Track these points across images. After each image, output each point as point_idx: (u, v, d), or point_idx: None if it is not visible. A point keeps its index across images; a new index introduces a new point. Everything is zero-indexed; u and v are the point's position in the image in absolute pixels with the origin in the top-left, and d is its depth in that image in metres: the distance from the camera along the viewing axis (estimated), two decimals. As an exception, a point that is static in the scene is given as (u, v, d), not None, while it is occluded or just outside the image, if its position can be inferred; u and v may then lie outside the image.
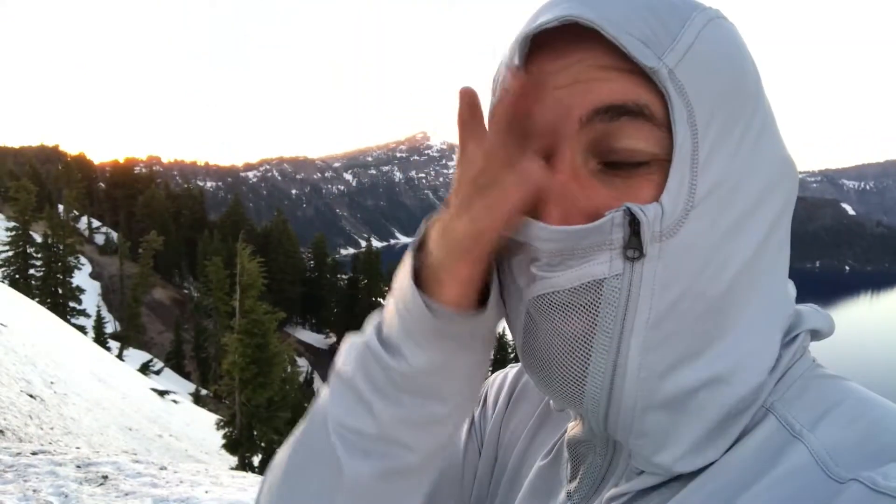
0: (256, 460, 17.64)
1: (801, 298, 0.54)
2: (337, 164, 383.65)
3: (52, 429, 9.50)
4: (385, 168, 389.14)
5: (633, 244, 0.43)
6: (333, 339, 62.15)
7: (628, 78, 0.44)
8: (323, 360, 57.85)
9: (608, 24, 0.43)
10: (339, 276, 65.03)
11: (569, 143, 0.46)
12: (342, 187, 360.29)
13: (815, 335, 0.52)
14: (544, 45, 0.47)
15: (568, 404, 0.48)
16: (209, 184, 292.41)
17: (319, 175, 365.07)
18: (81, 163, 66.66)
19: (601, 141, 0.45)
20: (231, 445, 16.91)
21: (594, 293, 0.44)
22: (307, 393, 43.26)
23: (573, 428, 0.56)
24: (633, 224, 0.42)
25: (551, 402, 0.55)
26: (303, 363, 49.35)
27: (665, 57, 0.43)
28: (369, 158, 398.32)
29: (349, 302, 59.75)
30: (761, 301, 0.47)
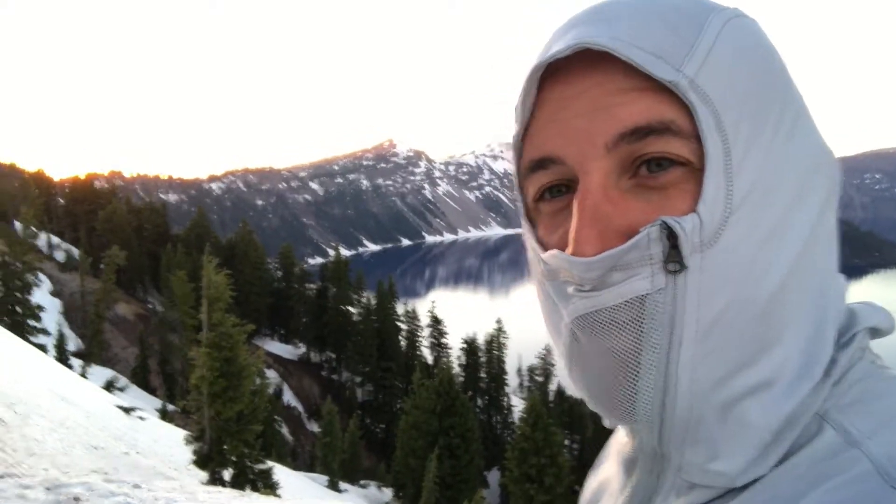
0: (227, 475, 17.40)
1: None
2: (303, 174, 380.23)
3: (14, 451, 9.26)
4: (352, 176, 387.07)
5: (674, 257, 0.42)
6: (303, 349, 61.51)
7: (650, 96, 0.43)
8: (292, 370, 57.20)
9: (619, 45, 0.43)
10: (307, 285, 64.41)
11: (596, 167, 0.45)
12: (309, 197, 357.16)
13: (875, 333, 0.50)
14: (560, 70, 0.47)
15: (620, 421, 0.48)
16: (172, 197, 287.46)
17: (285, 185, 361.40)
18: (40, 179, 64.88)
19: (629, 157, 0.45)
20: (201, 461, 16.65)
21: (638, 309, 0.43)
22: (277, 405, 42.78)
23: (625, 446, 0.55)
24: (672, 237, 0.42)
25: (603, 419, 0.55)
26: (272, 374, 48.77)
27: (684, 67, 0.43)
28: (336, 167, 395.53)
29: (318, 311, 59.17)
30: (811, 301, 0.46)
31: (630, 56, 0.43)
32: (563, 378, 0.52)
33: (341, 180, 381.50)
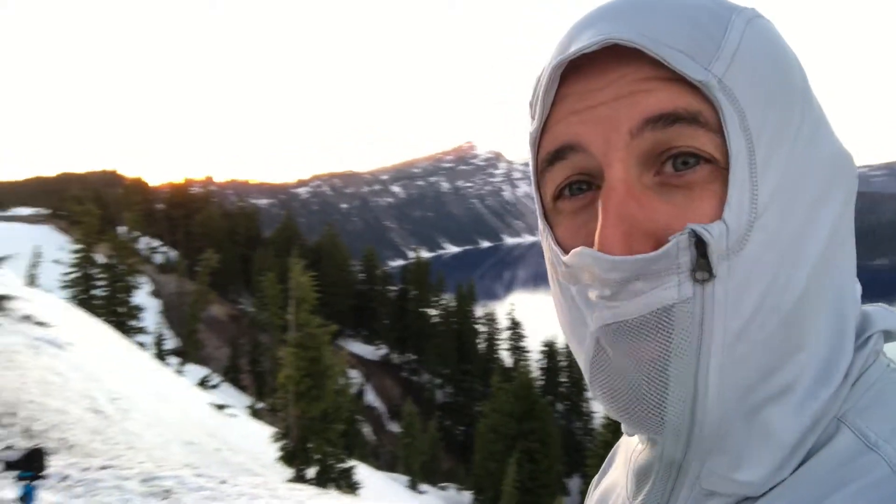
0: (312, 472, 17.88)
1: (868, 297, 0.51)
2: (385, 177, 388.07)
3: (116, 444, 9.87)
4: (432, 179, 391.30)
5: (702, 266, 0.41)
6: (384, 350, 62.61)
7: (675, 87, 0.43)
8: (374, 371, 58.35)
9: (649, 42, 0.43)
10: (388, 287, 65.55)
11: (619, 157, 0.44)
12: (390, 199, 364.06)
13: (889, 336, 0.50)
14: (580, 65, 0.46)
15: (647, 431, 0.47)
16: (263, 201, 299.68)
17: (368, 188, 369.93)
18: (140, 186, 69.44)
19: (654, 148, 0.44)
20: (287, 458, 17.21)
21: (666, 319, 0.43)
22: (359, 405, 43.72)
23: (640, 454, 0.54)
24: (699, 245, 0.41)
25: (623, 426, 0.54)
26: (355, 375, 49.89)
27: (712, 66, 0.42)
28: (416, 170, 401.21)
29: (399, 313, 60.10)
30: (832, 304, 0.46)
31: (660, 54, 0.42)
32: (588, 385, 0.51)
33: (422, 183, 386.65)
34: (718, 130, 0.43)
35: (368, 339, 64.97)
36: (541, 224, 0.53)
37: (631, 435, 0.57)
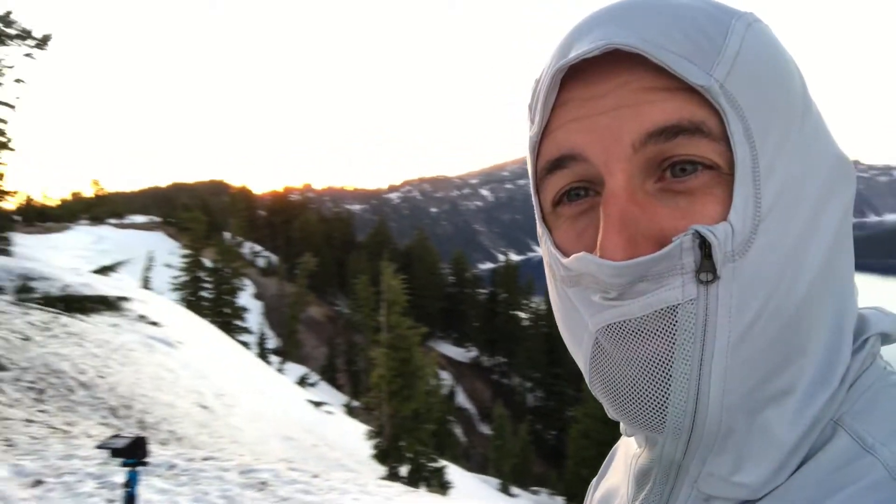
0: (404, 471, 18.12)
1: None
2: (474, 181, 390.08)
3: (220, 437, 10.40)
4: (521, 182, 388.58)
5: (706, 267, 0.41)
6: (474, 352, 62.72)
7: (678, 96, 0.43)
8: (464, 373, 58.56)
9: (650, 47, 0.42)
10: (478, 290, 65.67)
11: (621, 167, 0.44)
12: (479, 203, 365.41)
13: (886, 339, 0.49)
14: (582, 71, 0.46)
15: (647, 431, 0.46)
16: (357, 207, 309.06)
17: (457, 192, 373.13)
18: (244, 194, 73.46)
19: (656, 158, 0.44)
20: (380, 456, 17.54)
21: (669, 320, 0.42)
22: (450, 406, 43.98)
23: (639, 456, 0.53)
24: (704, 246, 0.41)
25: (622, 426, 0.54)
26: (445, 376, 50.26)
27: (714, 71, 0.42)
28: (505, 173, 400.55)
29: (489, 316, 60.04)
30: (833, 307, 0.45)
31: (662, 59, 0.42)
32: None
33: (511, 186, 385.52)
34: (721, 138, 0.42)
35: (458, 342, 65.32)
36: (539, 228, 0.53)
37: (630, 435, 0.57)
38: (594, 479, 0.70)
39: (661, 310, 0.42)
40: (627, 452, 0.60)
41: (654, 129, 0.43)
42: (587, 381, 0.49)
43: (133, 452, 2.94)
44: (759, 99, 0.43)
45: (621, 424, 0.54)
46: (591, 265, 0.44)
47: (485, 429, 50.04)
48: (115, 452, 2.91)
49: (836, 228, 0.46)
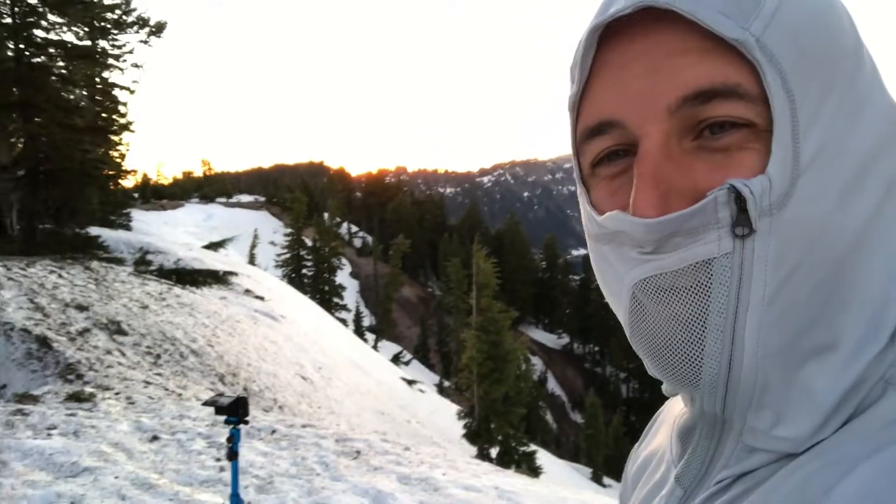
0: (494, 452, 18.13)
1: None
2: (567, 165, 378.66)
3: (319, 408, 10.78)
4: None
5: (742, 221, 0.41)
6: (566, 339, 61.85)
7: (714, 57, 0.42)
8: (556, 359, 57.93)
9: (684, 3, 0.42)
10: (570, 276, 64.60)
11: (657, 128, 0.44)
12: (572, 188, 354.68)
13: None
14: (617, 31, 0.46)
15: (684, 386, 0.47)
16: (448, 190, 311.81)
17: (550, 176, 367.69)
18: (342, 176, 76.01)
19: (692, 119, 0.44)
20: (470, 436, 17.65)
21: (704, 273, 0.43)
22: (541, 392, 43.63)
23: (682, 416, 0.54)
24: (739, 200, 0.41)
25: (663, 385, 0.54)
26: (536, 361, 49.92)
27: (750, 26, 0.41)
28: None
29: (581, 303, 58.95)
30: (881, 264, 0.44)
31: (695, 14, 0.41)
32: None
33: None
34: (759, 98, 0.42)
35: (550, 328, 64.68)
36: (578, 187, 0.53)
37: (671, 394, 0.57)
38: (634, 447, 0.70)
39: (697, 263, 0.43)
40: (670, 416, 0.61)
41: (688, 92, 0.43)
42: (628, 337, 0.50)
43: (235, 411, 3.02)
44: (800, 52, 0.42)
45: (663, 384, 0.54)
46: (624, 223, 0.45)
47: (577, 417, 49.36)
48: (219, 410, 3.00)
49: (887, 185, 0.45)
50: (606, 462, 32.34)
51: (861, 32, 0.46)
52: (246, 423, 3.06)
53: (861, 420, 0.43)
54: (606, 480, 29.88)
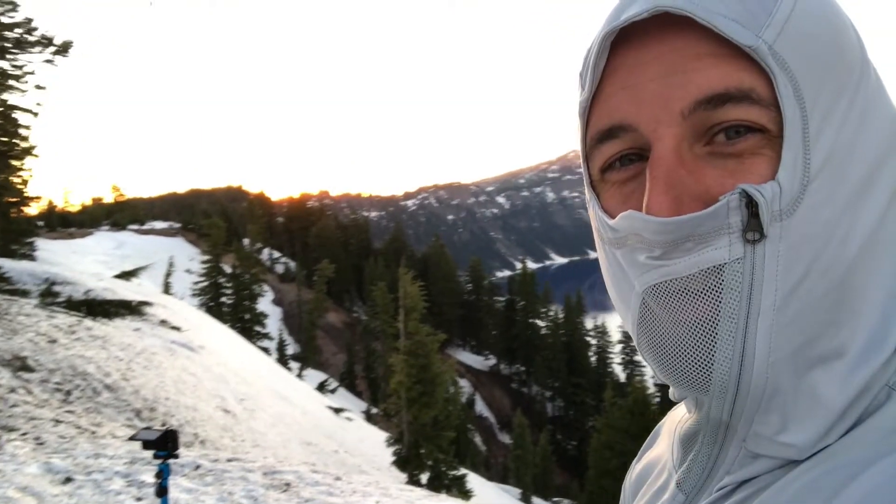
0: (424, 478, 18.01)
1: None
2: (490, 188, 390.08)
3: (242, 441, 10.39)
4: (537, 189, 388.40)
5: (753, 226, 0.41)
6: (493, 360, 62.43)
7: (727, 62, 0.43)
8: (483, 381, 58.32)
9: (699, 10, 0.42)
10: (495, 298, 65.49)
11: (670, 133, 0.44)
12: (496, 210, 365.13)
13: None
14: (630, 35, 0.46)
15: (693, 392, 0.47)
16: (373, 213, 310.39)
17: (474, 199, 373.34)
18: (262, 200, 74.22)
19: (705, 124, 0.44)
20: (400, 462, 17.47)
21: (715, 279, 0.43)
22: (469, 414, 43.77)
23: (685, 422, 0.54)
24: (751, 206, 0.41)
25: (671, 390, 0.54)
26: (464, 384, 50.11)
27: (763, 33, 0.42)
28: (521, 180, 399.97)
29: (507, 324, 59.81)
30: (887, 271, 0.45)
31: (710, 21, 0.42)
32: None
33: (527, 193, 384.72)
34: (771, 104, 0.43)
35: (477, 350, 65.16)
36: (588, 193, 0.53)
37: (678, 399, 0.57)
38: (635, 459, 0.70)
39: (708, 269, 0.43)
40: (672, 424, 0.61)
41: (702, 97, 0.43)
42: (635, 343, 0.50)
43: (164, 444, 2.91)
44: (810, 61, 0.43)
45: (670, 390, 0.54)
46: (637, 222, 0.45)
47: (505, 438, 49.75)
48: (147, 444, 2.89)
49: (892, 191, 0.45)
50: (535, 481, 32.72)
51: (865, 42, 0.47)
52: (176, 457, 2.95)
53: (866, 426, 0.42)
54: (535, 500, 30.20)
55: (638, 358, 53.30)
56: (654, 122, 0.45)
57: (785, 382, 0.44)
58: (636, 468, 0.67)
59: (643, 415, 29.34)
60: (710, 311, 0.43)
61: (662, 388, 49.37)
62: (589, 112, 0.51)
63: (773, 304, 0.42)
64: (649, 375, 49.73)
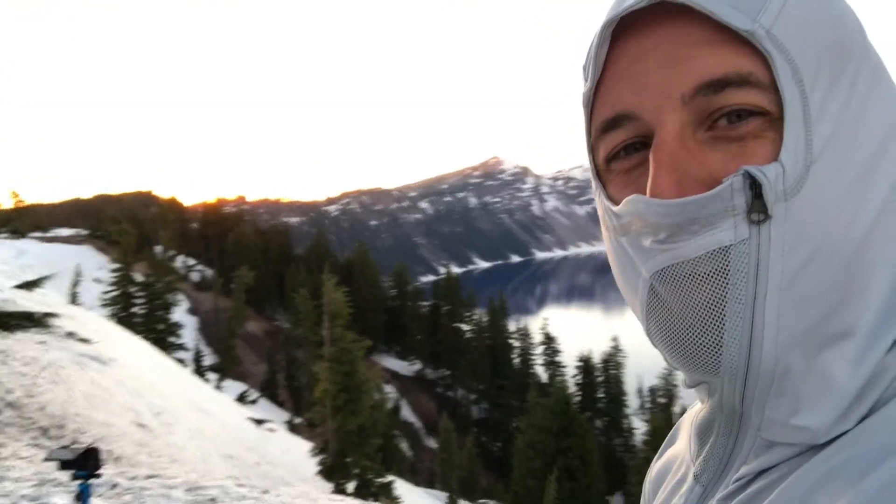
0: (351, 487, 17.77)
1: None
2: (413, 194, 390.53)
3: (160, 456, 9.91)
4: (460, 194, 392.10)
5: (758, 207, 0.42)
6: (418, 365, 62.41)
7: (726, 48, 0.44)
8: (409, 386, 58.17)
9: None
10: (420, 303, 65.54)
11: (672, 118, 0.45)
12: (419, 216, 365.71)
13: None
14: (630, 25, 0.47)
15: (703, 376, 0.47)
16: (294, 219, 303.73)
17: (397, 205, 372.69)
18: (174, 206, 71.01)
19: (706, 109, 0.45)
20: (326, 472, 17.16)
21: (721, 260, 0.43)
22: (395, 420, 43.55)
23: (700, 413, 0.54)
24: (755, 187, 0.42)
25: (684, 377, 0.54)
26: (390, 389, 49.78)
27: (760, 18, 0.43)
28: (444, 186, 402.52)
29: (431, 328, 59.99)
30: (893, 254, 0.45)
31: (708, 7, 0.43)
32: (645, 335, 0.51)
33: (450, 199, 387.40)
34: (770, 87, 0.43)
35: (402, 355, 64.91)
36: (594, 182, 0.54)
37: (690, 386, 0.57)
38: (655, 457, 0.70)
39: (714, 251, 0.43)
40: (688, 420, 0.61)
41: (701, 82, 0.44)
42: (644, 330, 0.50)
43: (84, 464, 2.73)
44: (808, 43, 0.43)
45: (683, 377, 0.54)
46: (641, 205, 0.45)
47: (431, 442, 49.77)
48: (65, 465, 2.70)
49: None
50: (461, 484, 32.91)
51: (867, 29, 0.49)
52: (98, 476, 2.77)
53: (885, 411, 0.42)
54: (461, 503, 30.36)
55: (559, 358, 54.90)
56: (657, 109, 0.46)
57: (795, 363, 0.44)
58: (656, 466, 0.67)
59: (565, 413, 30.16)
60: (718, 292, 0.43)
61: (583, 388, 51.00)
62: (592, 103, 0.51)
63: (779, 285, 0.42)
64: (570, 375, 51.22)
